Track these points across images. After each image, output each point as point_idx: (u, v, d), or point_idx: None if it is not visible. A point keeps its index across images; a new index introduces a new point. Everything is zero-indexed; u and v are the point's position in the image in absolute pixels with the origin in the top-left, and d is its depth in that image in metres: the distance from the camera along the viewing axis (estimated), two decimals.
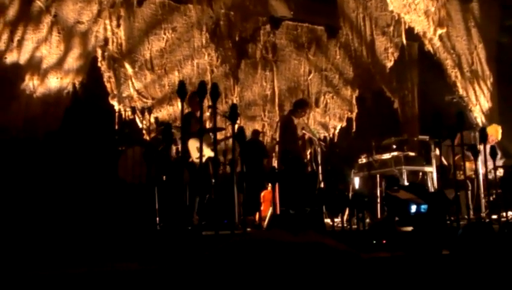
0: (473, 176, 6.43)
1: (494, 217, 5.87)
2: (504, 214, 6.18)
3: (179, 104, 6.80)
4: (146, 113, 7.72)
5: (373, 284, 2.46)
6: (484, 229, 4.00)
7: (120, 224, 4.78)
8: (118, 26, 8.27)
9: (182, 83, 4.33)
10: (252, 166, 6.60)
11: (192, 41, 8.85)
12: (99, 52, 8.18)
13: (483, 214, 5.42)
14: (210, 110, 6.61)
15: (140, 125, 8.13)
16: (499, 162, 7.48)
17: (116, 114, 7.88)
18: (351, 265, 1.52)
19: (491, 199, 5.77)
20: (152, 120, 7.64)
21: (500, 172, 6.45)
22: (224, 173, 7.50)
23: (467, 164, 6.71)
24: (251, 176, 5.93)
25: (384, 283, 3.21)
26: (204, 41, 8.95)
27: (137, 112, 8.00)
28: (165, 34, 8.65)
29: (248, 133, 8.40)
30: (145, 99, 8.37)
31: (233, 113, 4.70)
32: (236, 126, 4.40)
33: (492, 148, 4.93)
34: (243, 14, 9.32)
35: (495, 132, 7.25)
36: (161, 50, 8.61)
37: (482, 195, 5.49)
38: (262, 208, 6.66)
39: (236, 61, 9.29)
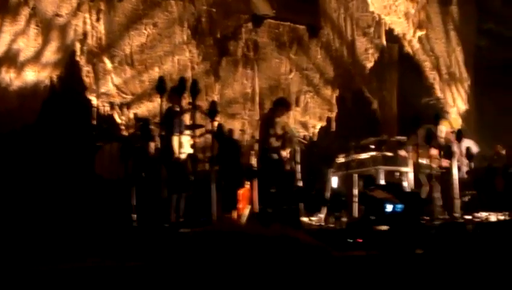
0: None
1: (468, 217, 5.99)
2: (477, 214, 6.31)
3: (159, 100, 6.80)
4: (125, 109, 7.65)
5: (344, 280, 2.50)
6: (457, 229, 4.08)
7: (96, 220, 4.74)
8: (98, 20, 8.16)
9: (161, 79, 4.32)
10: (230, 164, 6.59)
11: (173, 37, 8.79)
12: (78, 46, 8.07)
13: (457, 215, 5.51)
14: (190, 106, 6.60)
15: (118, 121, 8.05)
16: (474, 149, 7.62)
17: (94, 109, 7.78)
18: (320, 260, 1.54)
19: (466, 199, 5.89)
20: (131, 116, 7.58)
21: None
22: (204, 170, 7.48)
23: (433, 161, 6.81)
24: (229, 174, 5.93)
25: (358, 280, 3.25)
26: (185, 38, 8.89)
27: (116, 107, 7.92)
28: (145, 29, 8.58)
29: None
30: (124, 95, 8.28)
31: (212, 110, 4.70)
32: (215, 123, 4.38)
33: (467, 149, 5.03)
34: (225, 11, 9.30)
35: (449, 125, 7.34)
36: (141, 45, 8.52)
37: (457, 195, 5.58)
38: (240, 205, 6.67)
39: (218, 58, 9.26)
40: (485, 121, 10.04)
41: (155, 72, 8.45)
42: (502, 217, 5.96)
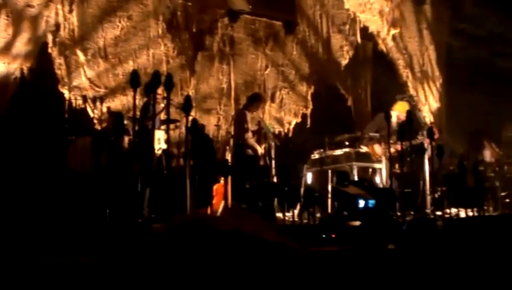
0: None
1: (439, 213, 6.10)
2: (448, 210, 6.42)
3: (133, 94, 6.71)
4: (98, 103, 7.54)
5: (310, 277, 2.52)
6: (428, 225, 4.15)
7: (69, 216, 4.67)
8: (71, 11, 8.02)
9: (135, 73, 4.25)
10: (204, 159, 6.56)
11: (148, 30, 8.69)
12: (49, 37, 7.91)
13: (428, 210, 5.62)
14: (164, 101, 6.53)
15: (91, 114, 7.93)
16: (446, 145, 7.71)
17: (67, 102, 7.65)
18: (282, 257, 1.54)
19: (436, 195, 5.99)
20: (104, 110, 7.48)
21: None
22: (178, 165, 7.44)
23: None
24: (203, 169, 5.90)
25: (330, 276, 3.28)
26: (160, 32, 8.80)
27: (89, 100, 7.80)
28: (120, 22, 8.46)
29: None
30: (97, 88, 8.16)
31: (187, 105, 4.66)
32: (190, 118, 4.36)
33: (439, 147, 5.12)
34: (201, 5, 9.24)
35: (402, 108, 7.37)
36: (115, 38, 8.41)
37: (428, 191, 5.68)
38: (214, 201, 6.65)
39: (193, 53, 9.20)
40: (456, 119, 10.24)
41: (129, 66, 8.35)
42: (471, 214, 6.08)
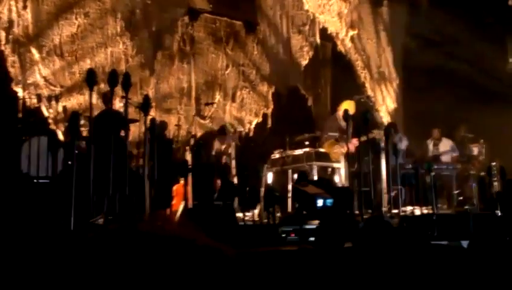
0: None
1: (395, 211, 6.25)
2: (404, 208, 6.59)
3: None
4: (53, 102, 7.34)
5: (270, 277, 2.53)
6: (384, 223, 4.24)
7: (22, 219, 4.53)
8: (25, 8, 7.77)
9: (90, 71, 4.17)
10: (163, 160, 6.50)
11: (106, 28, 8.50)
12: (2, 34, 7.64)
13: (384, 209, 5.74)
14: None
15: (46, 114, 7.71)
16: (403, 145, 7.96)
17: (20, 101, 7.40)
18: (216, 262, 1.53)
19: (393, 194, 6.12)
20: (60, 109, 7.28)
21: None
22: (137, 166, 7.32)
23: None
24: (162, 170, 5.83)
25: (289, 275, 3.30)
26: (119, 30, 8.64)
27: (44, 99, 7.58)
28: (76, 19, 8.25)
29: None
30: (52, 87, 7.94)
31: (145, 105, 4.60)
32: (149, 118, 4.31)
33: (394, 146, 5.25)
34: (161, 4, 9.12)
35: (348, 106, 7.57)
36: (72, 36, 8.19)
37: (385, 190, 5.81)
38: (173, 202, 6.59)
39: (153, 52, 9.08)
40: (413, 119, 10.50)
41: (86, 64, 8.15)
42: (426, 211, 6.26)
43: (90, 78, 3.94)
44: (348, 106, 7.32)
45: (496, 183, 7.39)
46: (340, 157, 7.09)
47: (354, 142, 6.63)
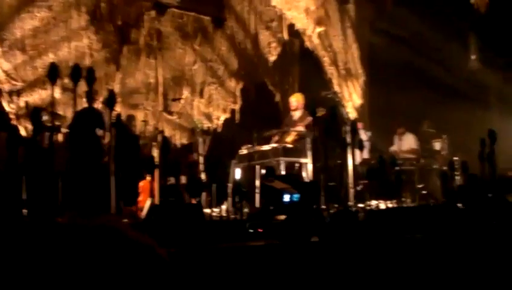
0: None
1: (361, 205, 6.35)
2: (369, 202, 6.71)
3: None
4: (14, 96, 7.14)
5: (236, 272, 2.53)
6: (350, 217, 4.30)
7: None
8: None
9: (53, 66, 4.08)
10: (129, 155, 6.42)
11: (69, 22, 8.31)
12: None
13: (351, 203, 5.83)
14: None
15: (7, 109, 7.49)
16: (365, 136, 8.26)
17: None
18: (148, 260, 1.52)
19: (358, 188, 6.22)
20: (22, 104, 7.09)
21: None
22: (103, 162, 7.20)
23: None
24: (128, 166, 5.76)
25: (256, 270, 3.32)
26: (83, 23, 8.46)
27: (5, 94, 7.36)
28: (39, 12, 8.04)
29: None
30: (14, 82, 7.72)
31: (110, 100, 4.52)
32: (114, 113, 4.24)
33: (360, 142, 5.33)
34: None
35: (298, 98, 8.12)
36: (34, 29, 7.98)
37: (351, 185, 5.89)
38: (140, 198, 6.52)
39: (118, 46, 8.92)
40: (378, 115, 10.67)
41: (49, 58, 7.93)
42: (390, 205, 6.39)
43: (53, 73, 3.85)
44: (297, 97, 8.10)
45: (457, 178, 7.59)
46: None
47: (308, 120, 7.03)
